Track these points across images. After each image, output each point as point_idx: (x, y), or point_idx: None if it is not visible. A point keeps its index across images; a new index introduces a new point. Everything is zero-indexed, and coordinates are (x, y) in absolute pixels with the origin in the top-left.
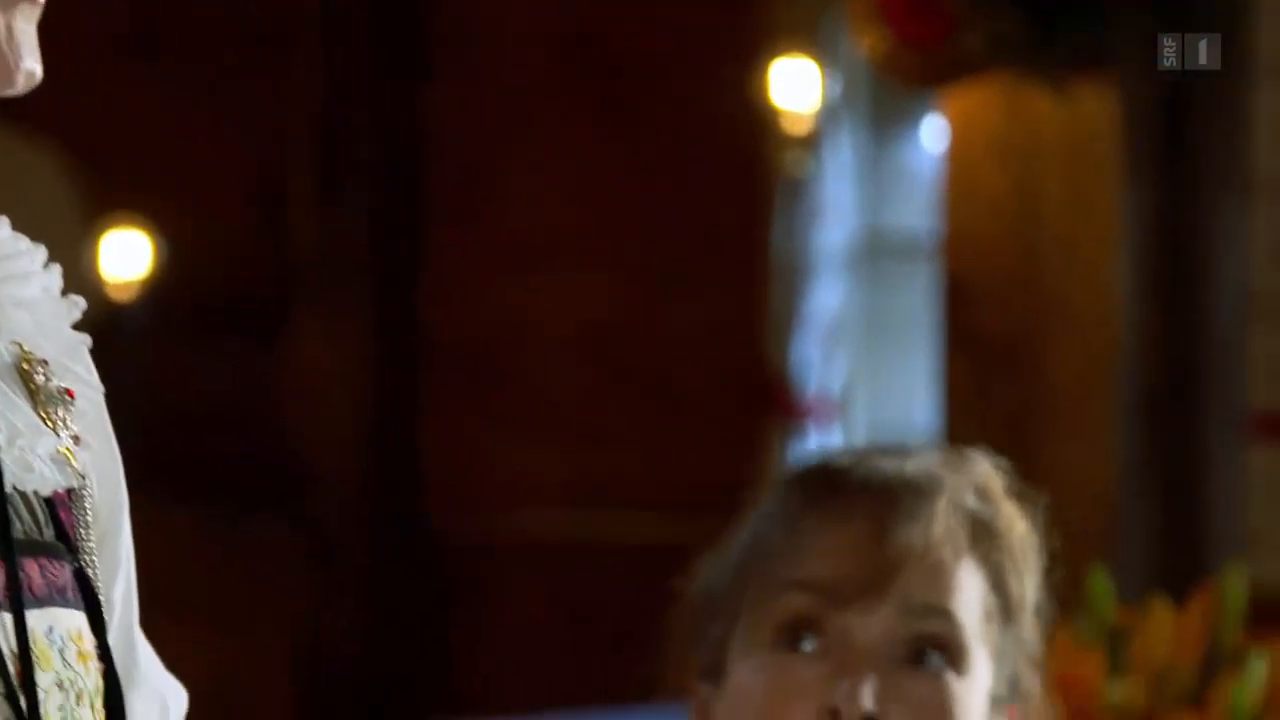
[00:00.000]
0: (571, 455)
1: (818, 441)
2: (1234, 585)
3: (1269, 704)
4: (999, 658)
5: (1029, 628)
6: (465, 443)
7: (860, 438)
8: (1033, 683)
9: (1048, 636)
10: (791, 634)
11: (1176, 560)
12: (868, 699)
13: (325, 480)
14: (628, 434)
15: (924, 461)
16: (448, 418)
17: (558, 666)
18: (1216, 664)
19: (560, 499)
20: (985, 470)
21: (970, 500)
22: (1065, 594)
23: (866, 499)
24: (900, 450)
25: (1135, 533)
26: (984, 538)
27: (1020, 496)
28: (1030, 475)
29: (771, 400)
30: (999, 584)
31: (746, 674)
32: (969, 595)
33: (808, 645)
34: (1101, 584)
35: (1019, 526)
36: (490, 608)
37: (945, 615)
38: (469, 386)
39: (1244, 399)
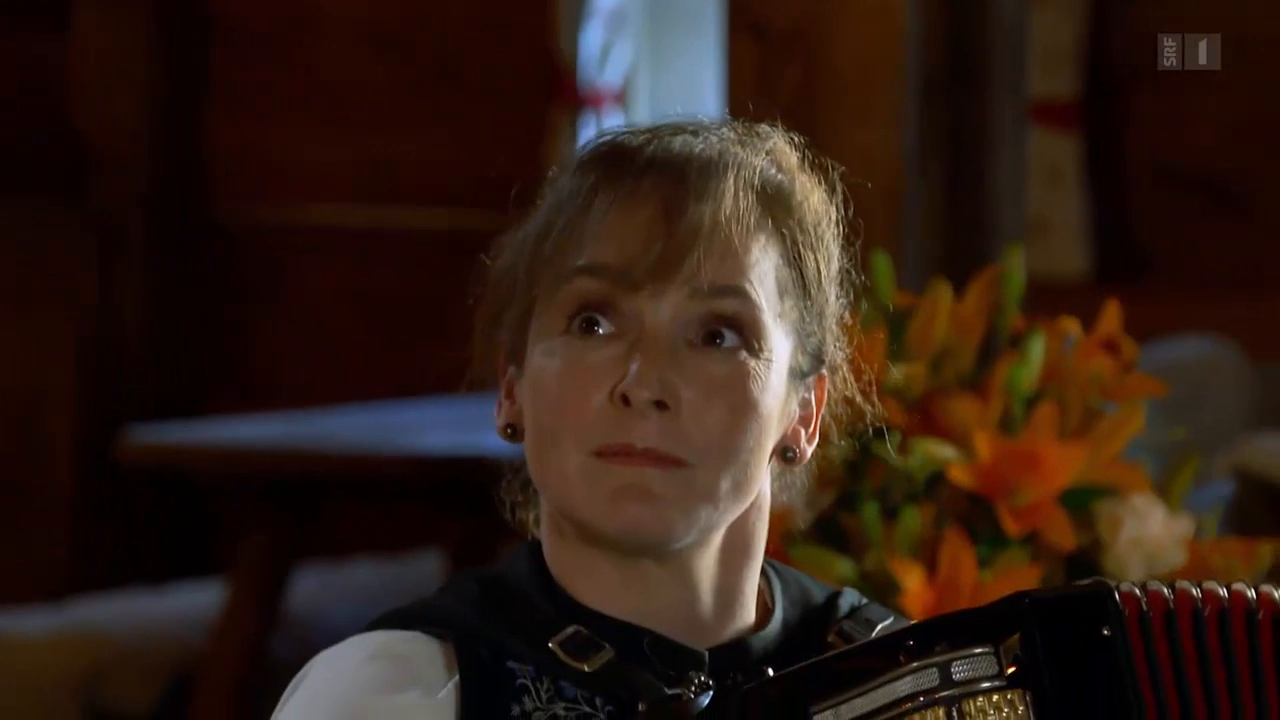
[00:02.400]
0: (360, 145)
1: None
2: (1013, 269)
3: (1044, 384)
4: (798, 332)
5: (831, 298)
6: (253, 132)
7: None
8: (838, 352)
9: (854, 305)
10: (585, 319)
11: (958, 247)
12: (654, 383)
13: (112, 170)
14: (416, 124)
15: (714, 138)
16: (236, 107)
17: (351, 359)
18: (995, 347)
19: (349, 189)
20: (777, 144)
21: (762, 175)
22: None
23: (655, 178)
24: (692, 127)
25: (918, 219)
26: (777, 211)
27: (814, 167)
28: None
29: (558, 89)
30: (795, 257)
31: (541, 359)
32: (763, 271)
33: (602, 329)
34: (883, 268)
35: (813, 198)
36: (281, 300)
37: (738, 294)
38: (257, 75)
39: (1026, 86)
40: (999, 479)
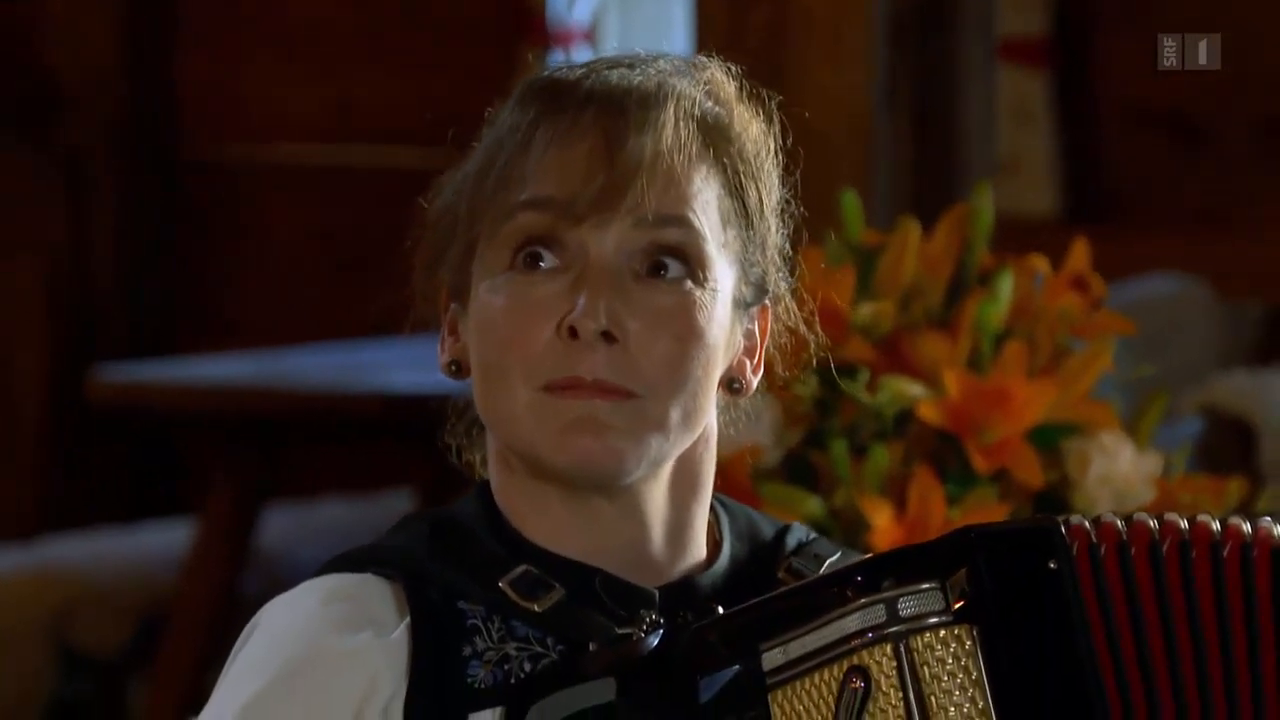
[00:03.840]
0: (329, 83)
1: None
2: (982, 207)
3: (1013, 322)
4: (741, 262)
5: (773, 228)
6: (222, 70)
7: None
8: (780, 282)
9: (796, 235)
10: (529, 253)
11: (927, 185)
12: (601, 315)
13: (80, 107)
14: (385, 62)
15: (652, 70)
16: (205, 45)
17: (320, 298)
18: (963, 285)
19: (319, 128)
20: (716, 75)
21: (700, 105)
22: (818, 218)
23: (595, 111)
24: (630, 60)
25: (887, 157)
26: (718, 142)
27: (753, 98)
28: (785, 101)
29: (527, 27)
30: (736, 187)
31: (486, 294)
32: (705, 201)
33: (545, 263)
34: (851, 206)
35: (753, 128)
36: (250, 238)
37: (681, 223)
38: (226, 12)
39: (995, 24)
40: (968, 417)
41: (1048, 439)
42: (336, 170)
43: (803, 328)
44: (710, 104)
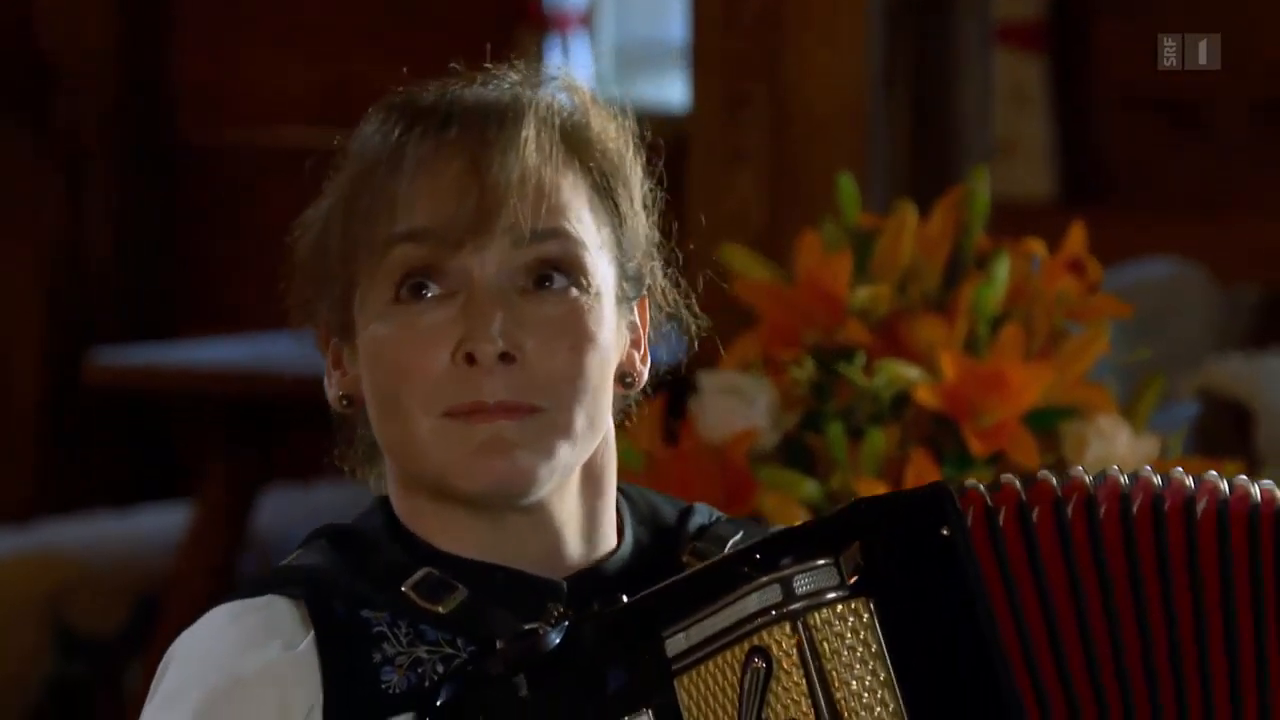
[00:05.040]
0: (325, 67)
1: (568, 53)
2: (978, 191)
3: (1009, 305)
4: (618, 259)
5: (641, 222)
6: (219, 54)
7: (610, 49)
8: (654, 273)
9: (665, 219)
10: (412, 284)
11: (924, 168)
12: (497, 338)
13: (75, 90)
14: (381, 46)
15: (505, 84)
16: (201, 29)
17: None
18: (960, 268)
19: (316, 112)
20: (566, 80)
21: (559, 112)
22: (816, 202)
23: (457, 132)
24: (480, 78)
25: (883, 140)
26: (580, 146)
27: (601, 99)
28: (782, 83)
29: (524, 12)
30: (604, 188)
31: (374, 328)
32: (578, 208)
33: (430, 291)
34: (848, 189)
35: (610, 127)
36: (246, 222)
37: (558, 235)
38: None
39: (991, 7)
40: (964, 400)
41: (1044, 422)
42: (334, 154)
43: (684, 312)
44: (567, 110)
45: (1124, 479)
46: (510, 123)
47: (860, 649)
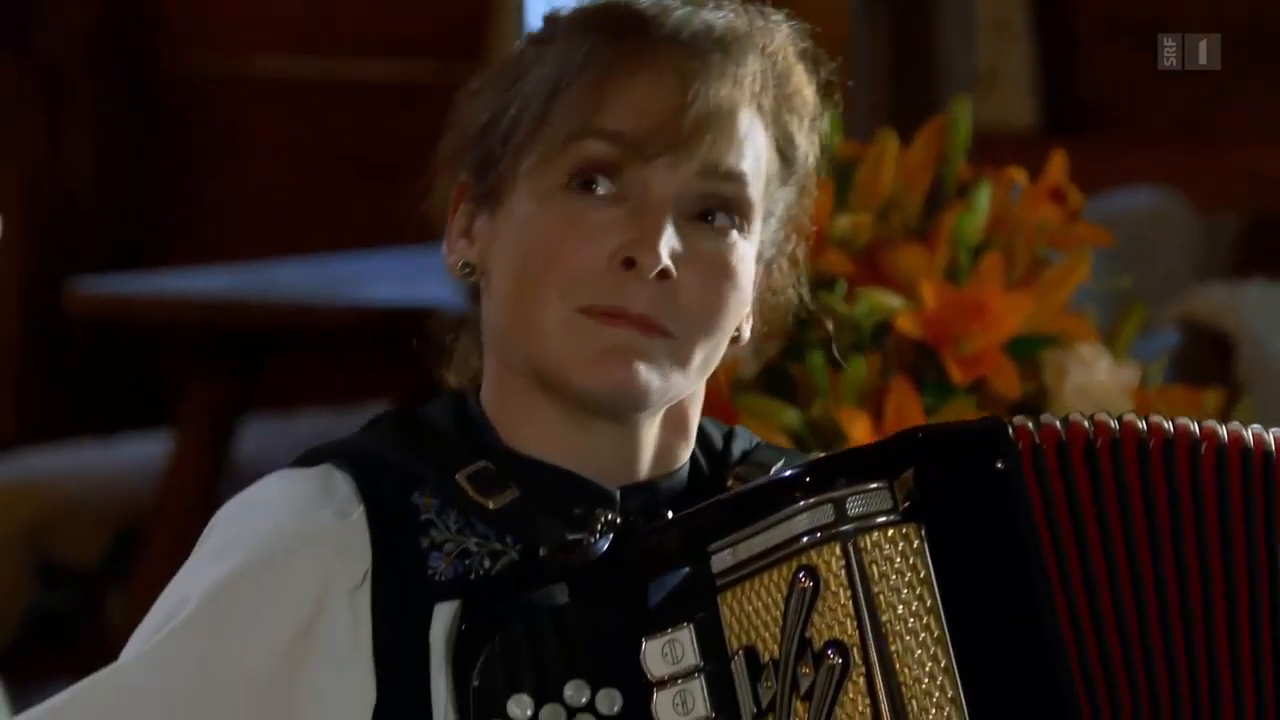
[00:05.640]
0: None
1: None
2: (960, 119)
3: (990, 234)
4: (771, 218)
5: (802, 190)
6: None
7: None
8: (790, 245)
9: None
10: (586, 180)
11: (906, 96)
12: (665, 251)
13: (59, 18)
14: None
15: (728, 17)
16: None
17: (298, 210)
18: (941, 197)
19: (298, 40)
20: (784, 30)
21: (775, 61)
22: None
23: (674, 52)
24: (710, 1)
25: (865, 69)
26: (779, 99)
27: (808, 57)
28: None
29: None
30: (786, 146)
31: (533, 209)
32: (760, 156)
33: (601, 189)
34: (831, 119)
35: (807, 91)
36: (229, 149)
37: (741, 179)
38: None
39: None
40: (945, 328)
41: (1025, 350)
42: (315, 82)
43: (791, 291)
44: (782, 61)
45: (1141, 424)
46: (730, 56)
47: (909, 574)
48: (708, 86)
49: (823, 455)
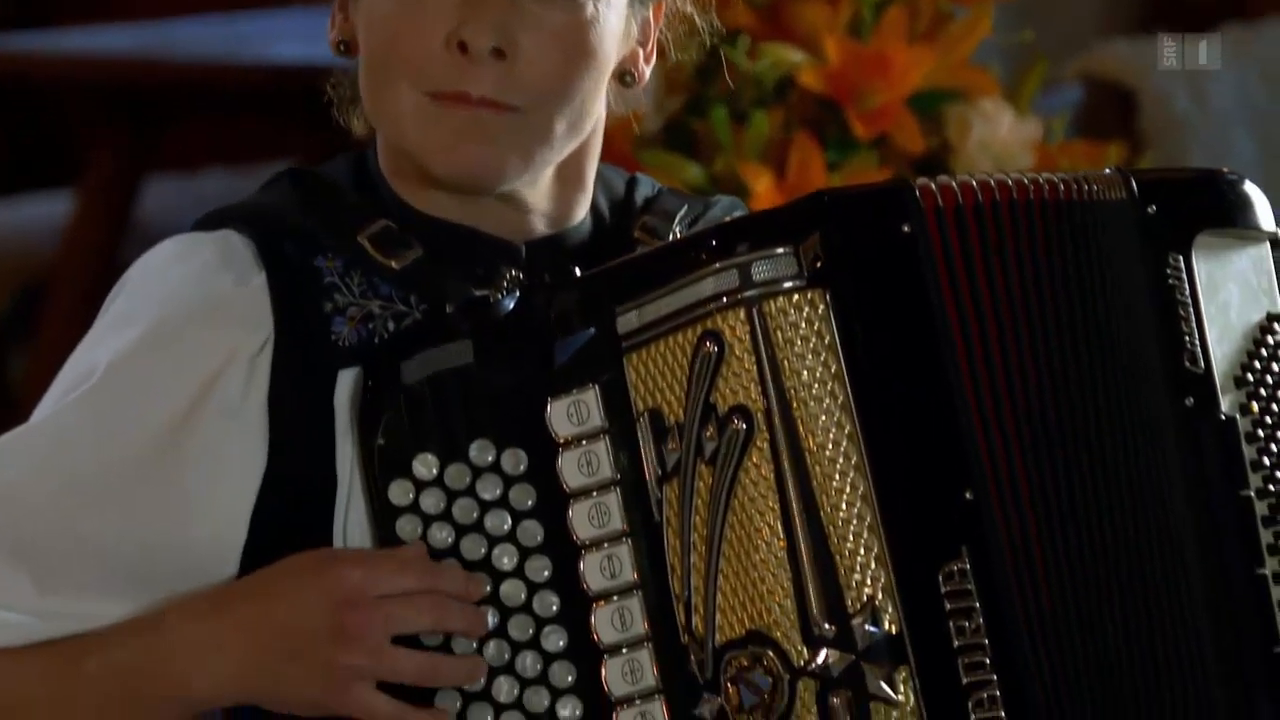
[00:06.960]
0: None
1: None
2: None
3: None
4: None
5: None
6: None
7: None
8: (654, 27)
9: None
10: None
11: None
12: (491, 31)
13: None
14: None
15: None
16: None
17: None
18: None
19: None
20: None
21: None
22: None
23: None
24: None
25: None
26: None
27: None
28: None
29: None
30: None
31: None
32: None
33: None
34: None
35: None
36: None
37: None
38: None
39: None
40: (848, 83)
41: (928, 104)
42: None
43: (694, 12)
44: None
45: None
46: None
47: (814, 339)
48: None
49: (730, 219)
